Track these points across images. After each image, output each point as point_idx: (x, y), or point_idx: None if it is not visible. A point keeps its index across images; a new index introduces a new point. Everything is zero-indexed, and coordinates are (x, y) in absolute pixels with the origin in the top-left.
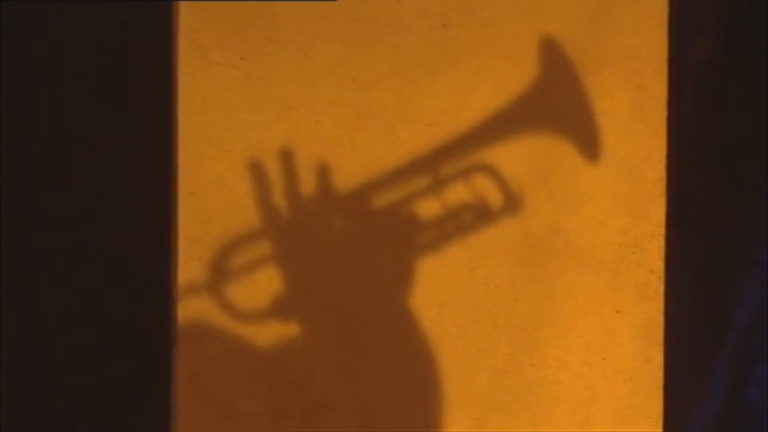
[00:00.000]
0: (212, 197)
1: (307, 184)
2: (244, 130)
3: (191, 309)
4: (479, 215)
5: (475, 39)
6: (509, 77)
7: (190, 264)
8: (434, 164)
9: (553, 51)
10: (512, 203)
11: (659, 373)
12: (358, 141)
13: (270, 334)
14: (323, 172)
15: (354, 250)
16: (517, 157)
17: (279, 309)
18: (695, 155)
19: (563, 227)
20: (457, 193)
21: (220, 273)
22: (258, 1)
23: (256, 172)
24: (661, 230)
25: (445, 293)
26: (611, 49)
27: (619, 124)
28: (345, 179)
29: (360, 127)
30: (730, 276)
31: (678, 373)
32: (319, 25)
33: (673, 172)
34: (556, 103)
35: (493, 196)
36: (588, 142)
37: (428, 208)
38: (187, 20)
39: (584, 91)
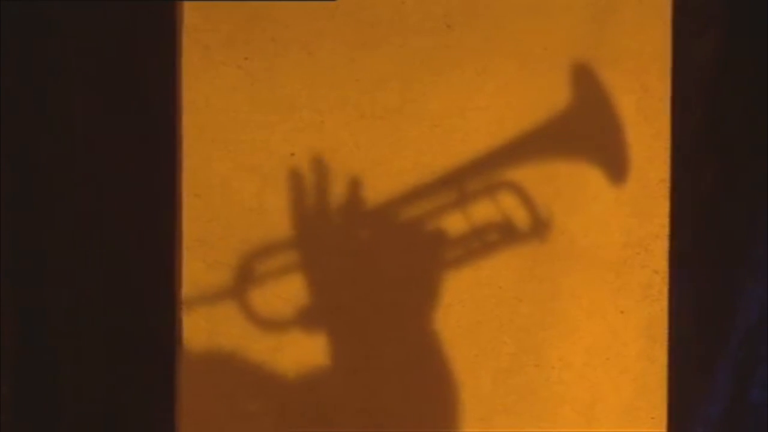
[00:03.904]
0: (216, 198)
1: (335, 194)
2: (248, 130)
3: (196, 310)
4: (505, 235)
5: (479, 39)
6: (514, 77)
7: (194, 264)
8: (461, 180)
9: (587, 75)
10: (540, 226)
11: (663, 374)
12: (362, 142)
13: (275, 336)
14: (353, 184)
15: (363, 254)
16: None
17: (297, 315)
18: (699, 156)
19: (567, 227)
20: (484, 211)
21: (244, 280)
22: (262, 2)
23: (294, 180)
24: (665, 231)
25: (449, 294)
26: (615, 49)
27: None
28: (348, 180)
29: (364, 128)
30: (733, 276)
31: (682, 374)
32: (323, 26)
33: (677, 172)
34: (586, 127)
35: (520, 217)
36: (616, 167)
37: (455, 224)
38: (191, 20)
39: (616, 116)
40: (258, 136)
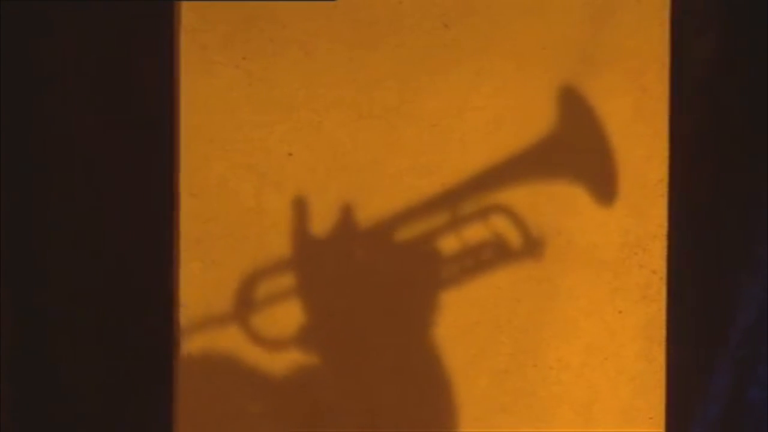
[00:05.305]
0: (213, 198)
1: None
2: (245, 130)
3: (193, 310)
4: (499, 254)
5: (476, 39)
6: (511, 77)
7: (191, 264)
8: (452, 200)
9: (573, 97)
10: (532, 245)
11: (661, 374)
12: (360, 141)
13: (272, 335)
14: (346, 209)
15: (362, 260)
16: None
17: (298, 323)
18: (697, 156)
19: (565, 228)
20: (477, 231)
21: (244, 303)
22: (260, 2)
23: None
24: (663, 231)
25: (446, 294)
26: (613, 49)
27: (621, 125)
28: (346, 180)
29: (362, 128)
30: (732, 276)
31: (680, 374)
32: (320, 26)
33: (675, 172)
34: (575, 148)
35: (513, 237)
36: (604, 188)
37: (449, 244)
38: (189, 20)
39: (604, 137)
40: (256, 136)
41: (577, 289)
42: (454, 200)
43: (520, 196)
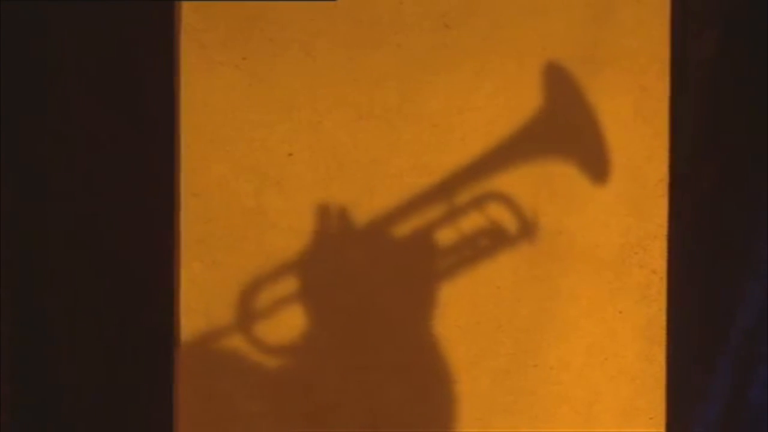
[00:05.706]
0: (214, 198)
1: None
2: (246, 130)
3: (193, 309)
4: (496, 240)
5: (477, 39)
6: (512, 77)
7: (192, 264)
8: (448, 192)
9: (559, 74)
10: (527, 228)
11: (662, 374)
12: (361, 141)
13: (273, 336)
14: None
15: (362, 260)
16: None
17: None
18: (697, 156)
19: (566, 227)
20: (474, 220)
21: (246, 310)
22: (260, 2)
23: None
24: (664, 231)
25: (447, 294)
26: (613, 49)
27: (622, 124)
28: (347, 180)
29: (362, 128)
30: (732, 276)
31: (680, 374)
32: (321, 26)
33: (676, 172)
34: (565, 128)
35: (509, 221)
36: (597, 167)
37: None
38: (190, 20)
39: (594, 116)
40: (256, 136)
41: (577, 289)
42: (450, 194)
43: (520, 197)
